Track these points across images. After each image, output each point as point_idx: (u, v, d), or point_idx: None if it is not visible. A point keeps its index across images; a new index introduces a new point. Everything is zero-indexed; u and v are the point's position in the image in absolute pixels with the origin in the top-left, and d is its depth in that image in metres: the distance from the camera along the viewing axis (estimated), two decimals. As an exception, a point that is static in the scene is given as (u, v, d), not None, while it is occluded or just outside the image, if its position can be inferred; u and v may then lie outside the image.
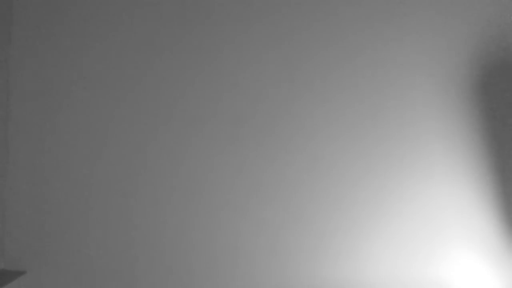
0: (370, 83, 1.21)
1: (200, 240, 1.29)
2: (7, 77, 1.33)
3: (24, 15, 1.35)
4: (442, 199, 1.18)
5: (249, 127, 1.26)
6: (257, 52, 1.26)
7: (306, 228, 1.23)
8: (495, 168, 1.16)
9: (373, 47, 1.20)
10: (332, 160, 1.22)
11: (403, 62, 1.19)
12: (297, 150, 1.24)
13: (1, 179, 1.33)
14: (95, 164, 1.32)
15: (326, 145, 1.22)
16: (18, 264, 1.32)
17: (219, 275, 1.27)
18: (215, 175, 1.27)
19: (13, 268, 1.30)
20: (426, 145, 1.19)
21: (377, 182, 1.20)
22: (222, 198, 1.27)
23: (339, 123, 1.21)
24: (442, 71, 1.18)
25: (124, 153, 1.31)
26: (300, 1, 1.23)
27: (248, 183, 1.26)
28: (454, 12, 1.17)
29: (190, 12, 1.30)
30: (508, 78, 1.16)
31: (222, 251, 1.27)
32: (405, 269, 1.19)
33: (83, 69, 1.34)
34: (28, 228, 1.33)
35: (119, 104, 1.32)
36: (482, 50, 1.15)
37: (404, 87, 1.19)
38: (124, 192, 1.31)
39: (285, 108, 1.24)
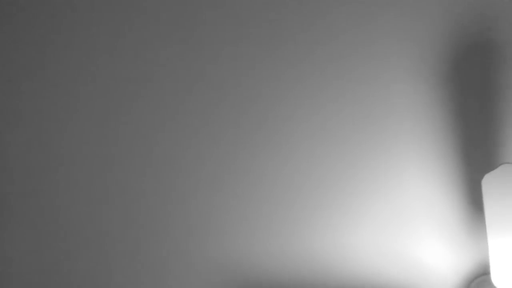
0: (348, 76, 1.24)
1: (197, 238, 1.31)
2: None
3: (24, 13, 1.36)
4: (410, 184, 1.22)
5: (245, 123, 1.28)
6: (255, 52, 1.28)
7: (291, 203, 1.26)
8: (463, 151, 1.20)
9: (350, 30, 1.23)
10: (314, 146, 1.24)
11: (379, 46, 1.21)
12: (287, 140, 1.26)
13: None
14: (96, 162, 1.33)
15: (311, 134, 1.25)
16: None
17: (209, 251, 1.30)
18: (211, 171, 1.29)
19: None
20: (397, 125, 1.22)
21: (349, 162, 1.23)
22: (217, 196, 1.30)
23: (313, 103, 1.24)
24: (416, 53, 1.20)
25: (124, 152, 1.31)
26: (295, 1, 1.26)
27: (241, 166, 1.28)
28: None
29: (187, 12, 1.32)
30: (475, 63, 1.19)
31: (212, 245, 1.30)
32: (377, 248, 1.24)
33: (84, 66, 1.35)
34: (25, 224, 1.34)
35: (119, 103, 1.33)
36: (461, 32, 1.19)
37: (379, 76, 1.22)
38: (124, 192, 1.31)
39: (281, 105, 1.27)
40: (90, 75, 1.33)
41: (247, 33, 1.29)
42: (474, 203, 1.19)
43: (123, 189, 1.32)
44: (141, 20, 1.32)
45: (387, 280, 1.26)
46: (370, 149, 1.22)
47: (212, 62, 1.31)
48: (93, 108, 1.33)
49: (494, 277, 0.96)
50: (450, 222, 1.20)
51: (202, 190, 1.30)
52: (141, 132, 1.31)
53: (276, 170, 1.26)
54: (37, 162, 1.34)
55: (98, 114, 1.33)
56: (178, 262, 1.34)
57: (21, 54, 1.35)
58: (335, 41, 1.23)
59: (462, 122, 1.19)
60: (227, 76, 1.27)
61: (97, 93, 1.32)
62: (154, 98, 1.32)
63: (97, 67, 1.32)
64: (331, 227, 1.24)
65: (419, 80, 1.21)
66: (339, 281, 1.28)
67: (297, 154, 1.25)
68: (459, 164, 1.19)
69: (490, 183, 0.83)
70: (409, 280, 1.25)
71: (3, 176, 1.35)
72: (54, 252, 1.37)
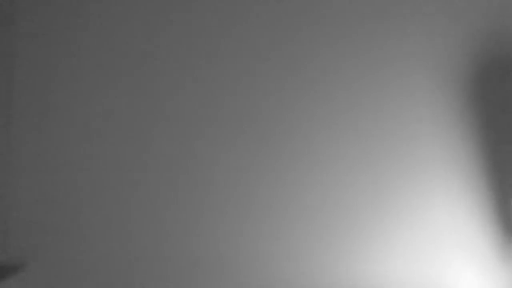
0: (368, 83, 1.21)
1: (196, 238, 1.30)
2: (11, 76, 1.34)
3: (27, 14, 1.36)
4: (440, 207, 1.19)
5: (249, 127, 1.26)
6: (257, 51, 1.26)
7: (306, 229, 1.24)
8: (491, 175, 1.16)
9: (370, 46, 1.20)
10: (330, 163, 1.23)
11: (402, 60, 1.19)
12: (297, 153, 1.24)
13: (4, 174, 1.35)
14: (96, 163, 1.33)
15: (326, 147, 1.23)
16: (20, 258, 1.34)
17: (218, 274, 1.29)
18: (215, 174, 1.28)
19: (15, 261, 1.33)
20: (425, 150, 1.19)
21: (378, 189, 1.21)
22: (222, 198, 1.28)
23: (338, 125, 1.22)
24: (440, 70, 1.18)
25: (124, 152, 1.32)
26: (299, 0, 1.23)
27: (248, 183, 1.27)
28: (452, 9, 1.16)
29: (189, 11, 1.30)
30: (506, 76, 1.15)
31: (221, 251, 1.28)
32: (404, 272, 1.20)
33: (86, 67, 1.35)
34: (31, 223, 1.35)
35: (121, 103, 1.32)
36: (480, 47, 1.15)
37: (402, 88, 1.19)
38: (124, 191, 1.32)
39: (286, 107, 1.25)
40: (93, 73, 1.32)
41: (251, 33, 1.27)
42: (506, 227, 1.15)
43: (125, 190, 1.32)
44: (139, 20, 1.30)
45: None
46: (400, 177, 1.19)
47: (213, 65, 1.29)
48: (95, 107, 1.33)
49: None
50: (482, 248, 1.16)
51: (211, 218, 1.29)
52: (146, 135, 1.32)
53: (303, 196, 1.24)
54: (40, 162, 1.35)
55: (100, 114, 1.34)
56: (181, 265, 1.34)
57: (25, 52, 1.34)
58: (356, 65, 1.20)
59: (489, 146, 1.16)
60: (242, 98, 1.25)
61: (98, 94, 1.31)
62: (156, 100, 1.31)
63: (100, 66, 1.32)
64: (360, 254, 1.22)
65: (446, 102, 1.18)
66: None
67: (326, 180, 1.23)
68: (488, 189, 1.16)
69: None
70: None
71: (12, 175, 1.36)
72: (54, 252, 1.38)
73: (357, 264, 1.22)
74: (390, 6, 1.17)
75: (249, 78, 1.26)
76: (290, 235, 1.24)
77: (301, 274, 1.25)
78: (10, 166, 1.36)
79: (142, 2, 1.31)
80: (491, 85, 1.16)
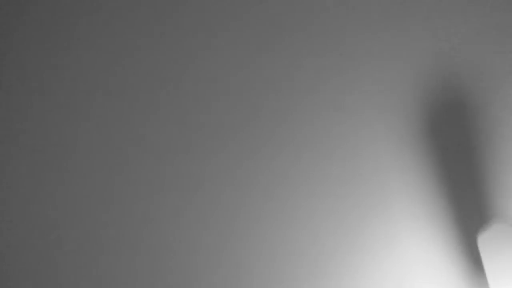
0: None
1: (187, 242, 1.28)
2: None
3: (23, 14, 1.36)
4: (406, 243, 1.21)
5: (244, 131, 1.28)
6: (252, 55, 1.28)
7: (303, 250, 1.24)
8: (452, 205, 1.21)
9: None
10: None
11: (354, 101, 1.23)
12: (289, 162, 1.26)
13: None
14: (92, 165, 1.31)
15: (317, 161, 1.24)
16: None
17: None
18: (209, 178, 1.28)
19: None
20: (389, 199, 1.22)
21: (343, 226, 1.22)
22: (215, 202, 1.28)
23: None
24: (392, 108, 1.22)
25: (121, 153, 1.30)
26: (295, 4, 1.27)
27: (242, 187, 1.27)
28: (403, 51, 1.23)
29: (184, 14, 1.32)
30: (458, 117, 1.22)
31: (214, 254, 1.27)
32: None
33: (82, 68, 1.34)
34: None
35: (117, 105, 1.32)
36: (432, 88, 1.22)
37: (362, 131, 1.23)
38: (121, 193, 1.30)
39: (281, 112, 1.27)
40: (92, 76, 1.30)
41: (246, 36, 1.28)
42: (473, 259, 1.18)
43: (125, 190, 1.29)
44: (142, 23, 1.30)
45: None
46: (365, 215, 1.21)
47: (211, 64, 1.29)
48: (91, 110, 1.31)
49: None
50: (451, 282, 1.18)
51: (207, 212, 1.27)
52: (145, 136, 1.29)
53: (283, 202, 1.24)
54: (39, 162, 1.31)
55: (100, 116, 1.31)
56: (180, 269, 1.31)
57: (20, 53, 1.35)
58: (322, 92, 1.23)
59: (450, 180, 1.20)
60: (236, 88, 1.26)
61: (98, 94, 1.30)
62: (156, 102, 1.29)
63: (95, 66, 1.29)
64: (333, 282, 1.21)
65: (402, 139, 1.22)
66: None
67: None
68: (452, 221, 1.19)
69: (486, 243, 0.83)
70: None
71: (3, 177, 1.37)
72: (54, 252, 1.32)
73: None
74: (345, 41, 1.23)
75: (243, 82, 1.28)
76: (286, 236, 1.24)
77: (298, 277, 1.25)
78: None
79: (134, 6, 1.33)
80: (445, 125, 1.22)
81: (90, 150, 1.32)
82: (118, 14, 1.33)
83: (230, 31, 1.29)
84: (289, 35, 1.32)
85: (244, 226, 1.28)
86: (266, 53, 1.31)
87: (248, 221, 1.27)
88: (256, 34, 1.28)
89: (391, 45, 1.22)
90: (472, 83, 1.21)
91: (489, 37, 1.22)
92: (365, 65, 1.23)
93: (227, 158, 1.28)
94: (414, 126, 1.19)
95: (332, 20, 1.30)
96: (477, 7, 1.25)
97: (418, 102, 1.20)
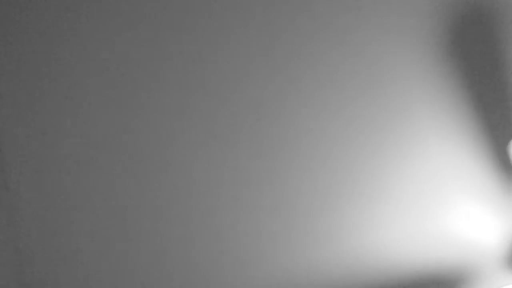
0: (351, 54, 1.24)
1: (189, 232, 1.29)
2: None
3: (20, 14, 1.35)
4: (438, 158, 1.21)
5: (243, 127, 1.27)
6: (252, 53, 1.28)
7: (307, 195, 1.24)
8: (482, 121, 1.20)
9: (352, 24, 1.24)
10: (328, 129, 1.24)
11: (379, 26, 1.23)
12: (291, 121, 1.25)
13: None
14: (92, 166, 1.32)
15: (321, 113, 1.24)
16: None
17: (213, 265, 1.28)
18: (206, 174, 1.28)
19: None
20: (415, 110, 1.22)
21: (376, 151, 1.22)
22: (213, 198, 1.28)
23: (332, 91, 1.24)
24: (418, 29, 1.22)
25: (120, 154, 1.30)
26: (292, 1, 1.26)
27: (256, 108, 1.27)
28: None
29: (181, 14, 1.31)
30: (486, 29, 1.21)
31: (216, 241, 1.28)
32: (414, 227, 1.21)
33: (87, 66, 1.33)
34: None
35: (117, 107, 1.31)
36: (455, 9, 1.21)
37: (382, 54, 1.23)
38: (121, 195, 1.31)
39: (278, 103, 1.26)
40: (93, 75, 1.32)
41: (245, 34, 1.28)
42: (504, 165, 1.18)
43: (125, 190, 1.31)
44: (141, 22, 1.30)
45: (429, 262, 1.23)
46: (389, 131, 1.21)
47: (211, 64, 1.30)
48: (93, 111, 1.32)
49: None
50: (483, 190, 1.19)
51: (204, 199, 1.29)
52: (145, 135, 1.30)
53: (303, 165, 1.24)
54: (40, 162, 1.34)
55: (100, 115, 1.33)
56: (178, 266, 1.32)
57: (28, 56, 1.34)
58: (336, 24, 1.22)
59: (476, 90, 1.20)
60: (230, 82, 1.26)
61: (98, 94, 1.31)
62: (156, 101, 1.30)
63: (101, 67, 1.31)
64: (361, 218, 1.22)
65: (427, 53, 1.21)
66: (380, 274, 1.25)
67: (323, 147, 1.23)
68: (481, 131, 1.19)
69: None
70: (451, 258, 1.22)
71: (12, 173, 1.35)
72: (53, 252, 1.35)
73: (361, 228, 1.23)
74: None
75: (242, 80, 1.28)
76: (289, 197, 1.25)
77: (301, 239, 1.25)
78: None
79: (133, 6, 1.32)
80: (470, 40, 1.21)
81: (93, 148, 1.33)
82: (123, 15, 1.33)
83: (233, 31, 1.30)
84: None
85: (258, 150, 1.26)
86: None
87: (263, 142, 1.25)
88: (260, 29, 1.26)
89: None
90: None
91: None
92: None
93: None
94: (441, 37, 1.18)
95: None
96: None
97: (446, 13, 1.19)
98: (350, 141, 1.22)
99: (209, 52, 1.29)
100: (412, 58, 1.21)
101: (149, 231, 1.31)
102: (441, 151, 1.20)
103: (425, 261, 1.23)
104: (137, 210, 1.31)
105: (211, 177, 1.28)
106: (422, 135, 1.20)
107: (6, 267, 1.29)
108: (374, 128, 1.21)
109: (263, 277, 1.27)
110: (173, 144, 1.30)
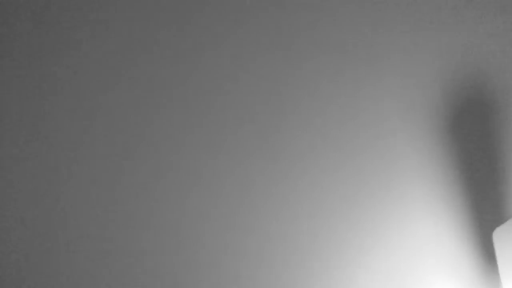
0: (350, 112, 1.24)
1: (187, 240, 1.29)
2: None
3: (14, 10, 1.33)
4: (422, 235, 1.22)
5: (243, 129, 1.28)
6: (254, 53, 1.27)
7: (290, 248, 1.24)
8: (472, 204, 1.21)
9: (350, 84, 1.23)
10: (319, 187, 1.24)
11: (379, 99, 1.22)
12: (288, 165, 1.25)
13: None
14: (87, 165, 1.30)
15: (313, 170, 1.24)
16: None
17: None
18: (207, 175, 1.28)
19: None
20: (407, 184, 1.23)
21: (363, 217, 1.22)
22: (212, 202, 1.28)
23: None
24: (417, 107, 1.22)
25: (117, 153, 1.29)
26: (297, 2, 1.26)
27: (240, 185, 1.27)
28: (429, 48, 1.22)
29: (184, 13, 1.31)
30: (476, 116, 1.21)
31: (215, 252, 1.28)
32: None
33: (76, 66, 1.31)
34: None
35: (113, 105, 1.29)
36: (453, 88, 1.21)
37: (381, 124, 1.23)
38: (117, 194, 1.30)
39: (282, 109, 1.27)
40: (83, 72, 1.30)
41: (248, 34, 1.26)
42: (486, 252, 1.18)
43: (125, 191, 1.29)
44: (140, 21, 1.28)
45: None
46: (376, 195, 1.21)
47: (210, 65, 1.29)
48: (94, 110, 1.30)
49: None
50: (463, 271, 1.19)
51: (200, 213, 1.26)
52: (145, 138, 1.28)
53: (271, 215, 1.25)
54: (38, 163, 1.31)
55: (99, 117, 1.29)
56: (177, 268, 1.31)
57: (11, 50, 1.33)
58: (335, 84, 1.22)
59: (468, 173, 1.20)
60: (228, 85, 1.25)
61: (91, 94, 1.28)
62: (155, 102, 1.28)
63: (91, 66, 1.30)
64: (335, 272, 1.22)
65: (421, 127, 1.22)
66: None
67: (295, 199, 1.23)
68: (468, 214, 1.19)
69: (501, 239, 0.84)
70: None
71: (3, 177, 1.32)
72: (53, 253, 1.33)
73: (333, 283, 1.24)
74: (367, 42, 1.22)
75: (244, 80, 1.28)
76: (270, 247, 1.25)
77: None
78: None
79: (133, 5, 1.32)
80: (467, 123, 1.22)
81: (95, 150, 1.31)
82: (123, 15, 1.32)
83: (232, 32, 1.28)
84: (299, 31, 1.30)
85: (252, 191, 1.26)
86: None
87: (254, 187, 1.26)
88: (259, 32, 1.27)
89: (414, 41, 1.21)
90: (494, 82, 1.21)
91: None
92: (388, 60, 1.22)
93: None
94: (435, 120, 1.19)
95: (348, 17, 1.28)
96: (503, 3, 1.24)
97: (439, 97, 1.20)
98: (338, 203, 1.23)
99: (210, 54, 1.27)
100: (411, 130, 1.21)
101: (149, 231, 1.30)
102: (426, 228, 1.20)
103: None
104: (136, 211, 1.30)
105: (211, 180, 1.27)
106: (411, 209, 1.21)
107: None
108: (364, 194, 1.21)
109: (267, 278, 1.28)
110: (173, 144, 1.28)
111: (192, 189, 1.30)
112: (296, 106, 1.27)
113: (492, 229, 1.17)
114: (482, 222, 1.17)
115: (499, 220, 1.17)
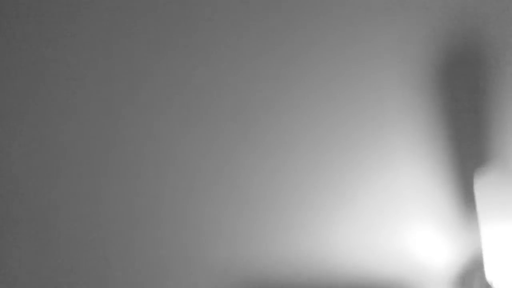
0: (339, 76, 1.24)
1: (185, 238, 1.32)
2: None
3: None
4: (404, 179, 1.24)
5: (241, 126, 1.28)
6: (252, 52, 1.27)
7: (269, 203, 1.27)
8: (454, 150, 1.21)
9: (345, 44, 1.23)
10: (298, 138, 1.25)
11: (373, 55, 1.22)
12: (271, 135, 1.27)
13: None
14: (88, 163, 1.33)
15: (295, 127, 1.25)
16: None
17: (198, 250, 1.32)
18: (207, 175, 1.30)
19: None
20: (391, 130, 1.23)
21: (343, 164, 1.24)
22: (207, 191, 1.31)
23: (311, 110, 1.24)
24: (407, 62, 1.21)
25: (117, 151, 1.32)
26: (293, 2, 1.25)
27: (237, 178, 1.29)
28: (418, 7, 1.20)
29: (183, 11, 1.30)
30: (465, 73, 1.20)
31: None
32: (371, 242, 1.26)
33: (83, 67, 1.33)
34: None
35: (113, 102, 1.32)
36: (443, 44, 1.19)
37: (372, 78, 1.23)
38: (119, 190, 1.32)
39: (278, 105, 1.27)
40: (89, 76, 1.31)
41: (246, 33, 1.28)
42: (466, 197, 1.20)
43: (123, 190, 1.32)
44: (138, 21, 1.30)
45: (380, 275, 1.28)
46: (363, 144, 1.22)
47: (207, 63, 1.30)
48: (92, 108, 1.32)
49: (488, 269, 0.98)
50: (443, 215, 1.21)
51: (200, 191, 1.30)
52: (142, 134, 1.31)
53: (268, 172, 1.26)
54: (37, 163, 1.33)
55: (97, 115, 1.33)
56: (177, 264, 1.36)
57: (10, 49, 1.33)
58: (330, 42, 1.22)
59: (453, 119, 1.20)
60: (223, 80, 1.27)
61: (96, 94, 1.31)
62: (153, 100, 1.30)
63: (97, 68, 1.30)
64: (321, 224, 1.25)
65: (411, 80, 1.21)
66: (331, 280, 1.30)
67: (291, 154, 1.25)
68: (451, 157, 1.20)
69: (481, 182, 0.84)
70: (401, 274, 1.27)
71: (3, 178, 1.36)
72: (53, 254, 1.38)
73: (317, 233, 1.27)
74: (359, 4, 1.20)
75: (242, 79, 1.28)
76: (253, 208, 1.28)
77: (266, 250, 1.29)
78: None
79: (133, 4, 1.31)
80: (452, 75, 1.20)
81: (88, 148, 1.32)
82: (123, 15, 1.29)
83: (231, 32, 1.27)
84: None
85: (248, 149, 1.28)
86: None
87: (251, 142, 1.28)
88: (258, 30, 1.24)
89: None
90: (485, 37, 1.19)
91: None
92: (382, 16, 1.19)
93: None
94: (421, 71, 1.18)
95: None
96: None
97: (429, 51, 1.18)
98: (325, 150, 1.24)
99: (211, 55, 1.28)
100: (396, 81, 1.20)
101: (148, 231, 1.33)
102: (409, 172, 1.22)
103: (373, 273, 1.27)
104: (136, 211, 1.33)
105: (208, 177, 1.30)
106: (394, 154, 1.22)
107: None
108: (350, 141, 1.22)
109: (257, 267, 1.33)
110: (172, 144, 1.30)
111: (192, 189, 1.31)
112: (294, 105, 1.25)
113: (472, 173, 1.17)
114: (463, 167, 1.17)
115: (480, 165, 1.17)
